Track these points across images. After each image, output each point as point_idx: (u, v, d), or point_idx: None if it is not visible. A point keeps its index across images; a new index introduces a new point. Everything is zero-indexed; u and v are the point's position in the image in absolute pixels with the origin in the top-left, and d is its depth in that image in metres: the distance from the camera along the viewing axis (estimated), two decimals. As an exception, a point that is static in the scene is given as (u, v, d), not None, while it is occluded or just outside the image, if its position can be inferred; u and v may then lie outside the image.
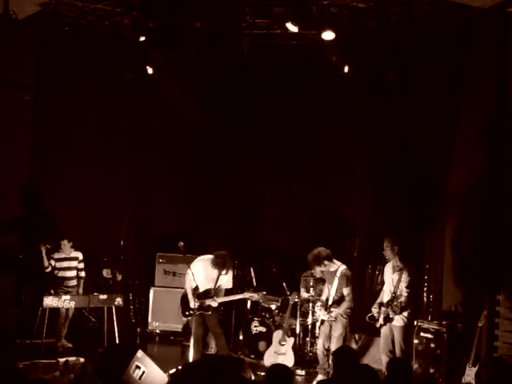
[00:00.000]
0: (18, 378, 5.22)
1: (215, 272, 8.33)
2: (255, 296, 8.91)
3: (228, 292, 8.90)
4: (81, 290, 9.59)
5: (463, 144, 8.64)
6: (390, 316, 7.70)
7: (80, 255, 9.60)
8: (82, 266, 9.62)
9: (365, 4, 8.95)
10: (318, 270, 8.25)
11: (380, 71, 9.38)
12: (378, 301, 7.98)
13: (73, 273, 9.53)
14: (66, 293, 9.28)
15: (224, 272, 8.33)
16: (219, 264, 8.26)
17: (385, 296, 7.91)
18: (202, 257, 8.53)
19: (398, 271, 7.76)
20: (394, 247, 7.80)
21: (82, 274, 9.63)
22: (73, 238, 9.52)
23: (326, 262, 8.14)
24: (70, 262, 9.50)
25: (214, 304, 8.39)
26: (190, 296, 8.37)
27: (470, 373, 7.44)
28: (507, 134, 8.04)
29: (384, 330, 7.84)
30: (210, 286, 8.41)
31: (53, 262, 9.36)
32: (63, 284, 9.42)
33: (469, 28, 8.57)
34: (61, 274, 9.42)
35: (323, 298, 8.46)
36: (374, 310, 7.86)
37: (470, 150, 8.48)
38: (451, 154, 8.78)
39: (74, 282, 9.53)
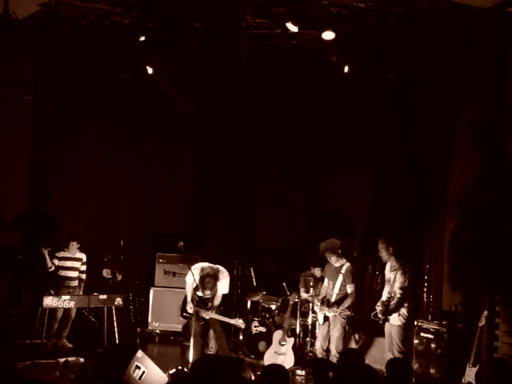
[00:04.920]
0: (17, 378, 5.22)
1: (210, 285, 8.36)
2: (242, 325, 8.88)
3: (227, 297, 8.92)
4: (81, 292, 9.57)
5: (463, 144, 8.63)
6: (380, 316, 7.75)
7: (84, 257, 9.61)
8: (84, 268, 9.63)
9: (365, 4, 8.95)
10: (334, 259, 8.26)
11: (380, 71, 9.37)
12: (382, 299, 8.00)
13: (75, 273, 9.53)
14: (68, 293, 9.28)
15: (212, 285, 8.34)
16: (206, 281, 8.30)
17: (383, 295, 7.94)
18: (201, 264, 8.54)
19: (394, 271, 7.80)
20: (388, 248, 7.84)
21: (83, 276, 9.64)
22: (80, 240, 9.58)
23: (339, 251, 8.21)
24: (74, 262, 9.51)
25: (207, 317, 8.42)
26: (188, 300, 8.45)
27: (471, 373, 7.44)
28: (507, 134, 8.04)
29: (387, 329, 7.86)
30: (208, 294, 8.43)
31: (56, 261, 9.37)
32: (64, 284, 9.42)
33: (469, 28, 8.56)
34: (63, 273, 9.43)
35: (321, 297, 8.47)
36: (378, 308, 7.88)
37: (470, 150, 8.47)
38: (451, 153, 8.77)
39: (75, 283, 9.53)
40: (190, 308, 8.39)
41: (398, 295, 7.69)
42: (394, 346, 7.74)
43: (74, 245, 9.47)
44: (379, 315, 7.76)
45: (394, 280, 7.75)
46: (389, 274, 7.95)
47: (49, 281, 9.52)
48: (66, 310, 9.33)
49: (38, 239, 9.52)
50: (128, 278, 10.90)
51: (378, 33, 9.14)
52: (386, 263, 8.09)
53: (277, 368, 5.10)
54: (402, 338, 7.73)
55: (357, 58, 9.53)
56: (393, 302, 7.70)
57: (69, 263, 9.47)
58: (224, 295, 8.65)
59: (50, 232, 9.89)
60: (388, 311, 7.70)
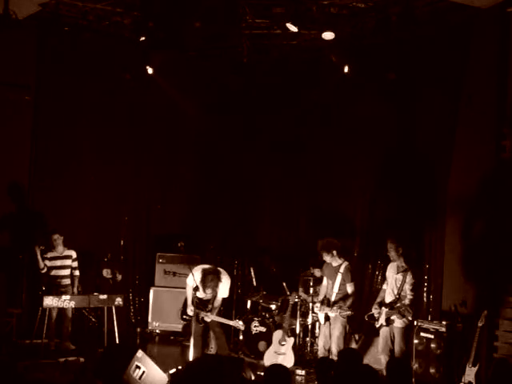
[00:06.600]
0: (17, 378, 5.22)
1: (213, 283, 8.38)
2: (242, 327, 8.88)
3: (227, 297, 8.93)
4: (75, 289, 9.53)
5: (463, 144, 8.64)
6: (391, 318, 7.70)
7: (73, 254, 9.54)
8: (75, 264, 9.55)
9: (365, 4, 8.96)
10: (328, 259, 8.31)
11: (380, 71, 9.37)
12: (378, 300, 7.99)
13: (66, 271, 9.46)
14: (61, 292, 9.22)
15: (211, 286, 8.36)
16: (205, 280, 8.31)
17: (387, 296, 7.90)
18: (202, 266, 8.56)
19: (403, 272, 7.76)
20: (398, 248, 7.82)
21: (76, 272, 9.58)
22: (62, 232, 9.45)
23: (334, 252, 8.26)
24: (63, 260, 9.44)
25: (208, 319, 8.46)
26: (189, 303, 8.46)
27: (470, 372, 7.44)
28: (507, 133, 8.04)
29: (384, 331, 7.84)
30: (209, 296, 8.45)
31: (47, 262, 9.32)
32: (56, 283, 9.36)
33: (469, 28, 8.57)
34: (54, 272, 9.37)
35: (320, 297, 8.48)
36: (375, 311, 7.86)
37: (470, 150, 8.48)
38: (451, 153, 8.78)
39: (67, 281, 9.46)
40: (190, 310, 8.38)
41: (410, 296, 7.67)
42: (396, 348, 7.72)
43: (56, 239, 9.32)
44: (397, 317, 7.68)
45: (403, 281, 7.72)
46: (393, 274, 7.91)
47: (42, 280, 9.50)
48: (62, 310, 9.28)
49: (30, 239, 9.50)
50: (128, 277, 10.90)
51: (378, 33, 9.13)
52: (387, 263, 8.07)
53: (279, 368, 5.10)
54: (404, 339, 7.71)
55: (357, 58, 9.53)
56: (404, 304, 7.66)
57: (58, 262, 9.40)
58: (223, 299, 8.66)
59: (39, 230, 9.85)
60: (400, 313, 7.64)
